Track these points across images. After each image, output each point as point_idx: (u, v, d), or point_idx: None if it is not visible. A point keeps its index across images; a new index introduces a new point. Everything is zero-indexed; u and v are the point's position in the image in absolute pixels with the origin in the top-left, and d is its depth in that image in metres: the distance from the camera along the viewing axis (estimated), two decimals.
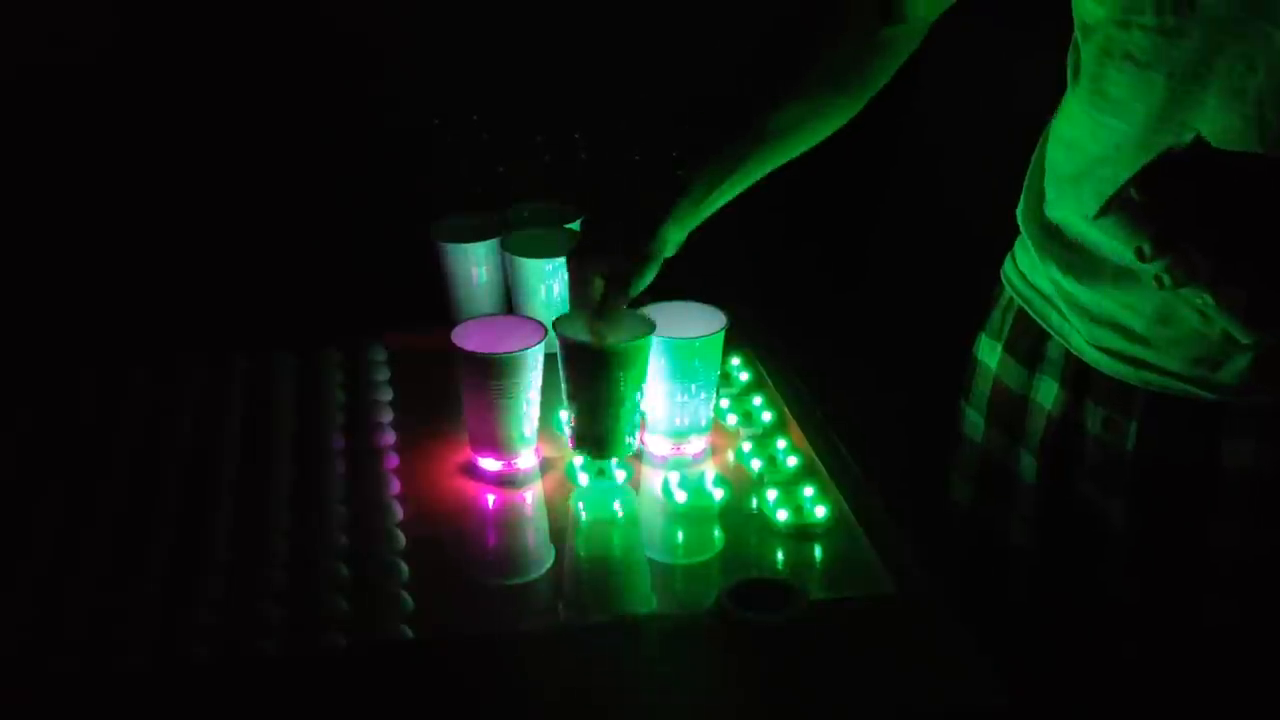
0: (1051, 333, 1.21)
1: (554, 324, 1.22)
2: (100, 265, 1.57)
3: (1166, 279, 0.93)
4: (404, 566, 1.12)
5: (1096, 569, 1.19)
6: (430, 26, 1.59)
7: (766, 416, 1.35)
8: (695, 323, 1.28)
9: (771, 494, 1.21)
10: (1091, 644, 1.21)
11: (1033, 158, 1.24)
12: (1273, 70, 0.99)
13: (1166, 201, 0.93)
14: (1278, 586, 1.13)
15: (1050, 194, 1.18)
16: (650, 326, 1.22)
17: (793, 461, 1.27)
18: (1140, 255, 0.94)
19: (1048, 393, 1.22)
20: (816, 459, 1.29)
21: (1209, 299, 0.94)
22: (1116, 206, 0.95)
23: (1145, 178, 0.93)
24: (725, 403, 1.37)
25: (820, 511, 1.19)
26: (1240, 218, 0.92)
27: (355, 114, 1.60)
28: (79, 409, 1.35)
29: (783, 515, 1.19)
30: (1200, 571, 1.14)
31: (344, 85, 1.58)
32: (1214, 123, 1.02)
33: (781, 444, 1.30)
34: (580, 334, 1.20)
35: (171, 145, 1.58)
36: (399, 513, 1.20)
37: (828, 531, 1.19)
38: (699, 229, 1.26)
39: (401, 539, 1.16)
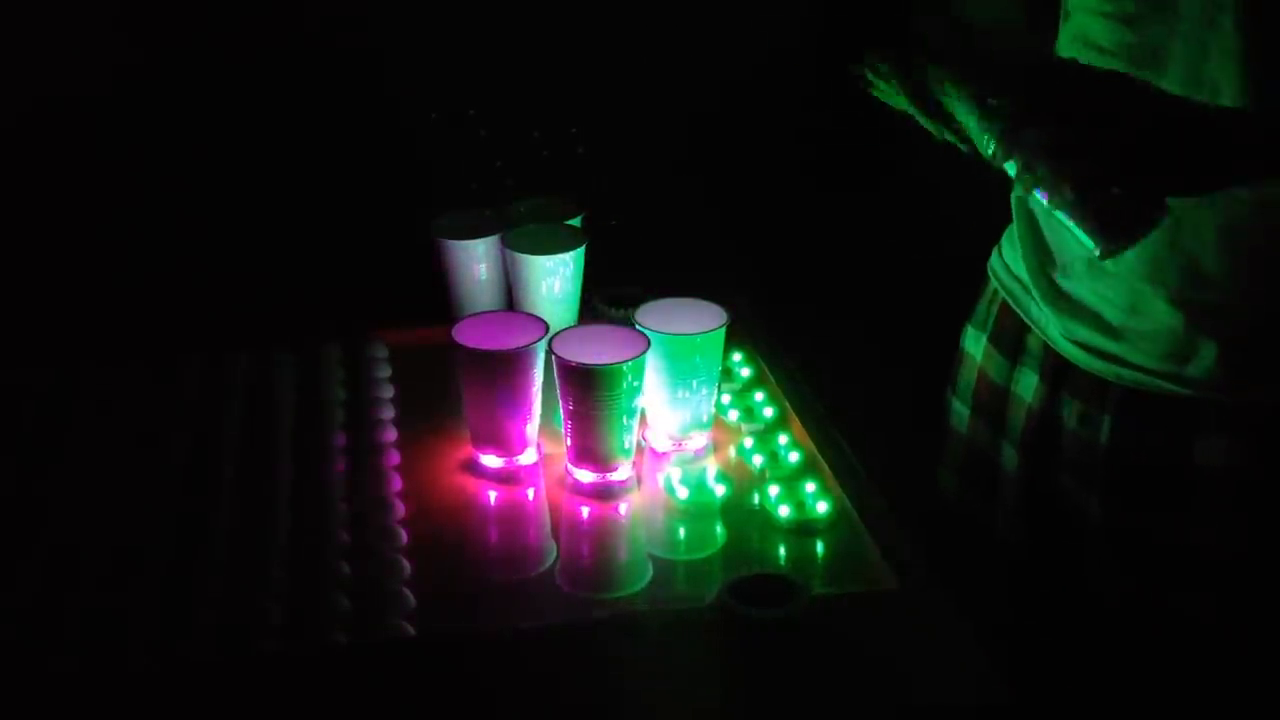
0: (1031, 325, 1.21)
1: (550, 345, 1.22)
2: (99, 263, 1.57)
3: (1001, 155, 0.94)
4: (405, 564, 1.12)
5: (1078, 562, 1.19)
6: (426, 21, 1.59)
7: (768, 412, 1.35)
8: (696, 319, 1.27)
9: (773, 489, 1.21)
10: (1079, 638, 1.20)
11: None
12: (1223, 55, 0.99)
13: (1025, 106, 0.94)
14: (1252, 582, 1.13)
15: None
16: (646, 343, 1.21)
17: (794, 457, 1.27)
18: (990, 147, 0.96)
19: (1027, 385, 1.22)
20: (818, 454, 1.28)
21: (1054, 198, 0.93)
22: (978, 115, 0.97)
23: (1003, 86, 0.96)
24: (726, 399, 1.37)
25: (822, 507, 1.19)
26: (1094, 120, 0.91)
27: (353, 110, 1.60)
28: (78, 408, 1.35)
29: (784, 511, 1.19)
30: (1176, 567, 1.14)
31: (341, 81, 1.58)
32: None
33: (783, 440, 1.29)
34: (576, 355, 1.20)
35: (168, 143, 1.58)
36: (400, 510, 1.20)
37: (829, 527, 1.18)
38: (695, 227, 1.25)
39: (403, 536, 1.16)
